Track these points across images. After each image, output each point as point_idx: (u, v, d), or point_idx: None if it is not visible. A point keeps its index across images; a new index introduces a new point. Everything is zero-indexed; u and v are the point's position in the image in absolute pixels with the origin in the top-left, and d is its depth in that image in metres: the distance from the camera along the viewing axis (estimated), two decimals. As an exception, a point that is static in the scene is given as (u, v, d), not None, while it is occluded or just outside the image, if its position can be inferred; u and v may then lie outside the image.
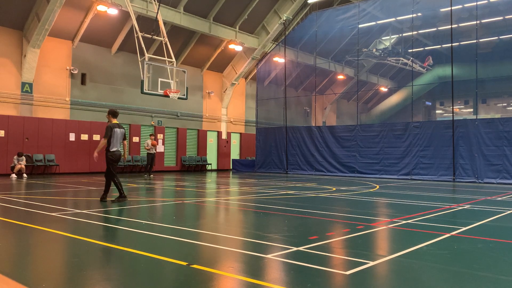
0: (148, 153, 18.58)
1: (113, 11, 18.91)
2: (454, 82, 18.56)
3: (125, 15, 19.60)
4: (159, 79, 16.57)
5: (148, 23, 18.55)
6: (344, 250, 5.04)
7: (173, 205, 9.12)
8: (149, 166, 18.76)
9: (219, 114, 27.41)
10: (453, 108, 19.41)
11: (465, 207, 9.07)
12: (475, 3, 18.66)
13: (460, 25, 20.79)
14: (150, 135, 19.15)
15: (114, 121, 9.25)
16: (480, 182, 17.13)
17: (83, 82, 20.62)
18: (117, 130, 9.14)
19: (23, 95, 18.48)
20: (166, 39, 17.69)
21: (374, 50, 27.04)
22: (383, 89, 33.23)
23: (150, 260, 4.33)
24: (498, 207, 9.02)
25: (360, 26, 22.32)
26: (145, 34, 17.35)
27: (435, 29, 24.29)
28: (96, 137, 20.60)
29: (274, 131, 24.59)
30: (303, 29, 24.53)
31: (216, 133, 27.17)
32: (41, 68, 18.98)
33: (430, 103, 34.98)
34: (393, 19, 23.72)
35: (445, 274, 4.04)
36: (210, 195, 11.48)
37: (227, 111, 27.78)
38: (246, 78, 29.14)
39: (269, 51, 25.79)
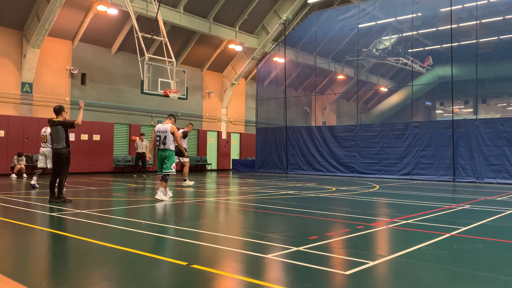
0: (137, 152, 18.75)
1: (113, 11, 18.90)
2: (454, 82, 18.54)
3: (125, 15, 19.59)
4: (159, 79, 16.57)
5: (148, 23, 18.54)
6: (344, 250, 5.04)
7: (173, 205, 9.11)
8: (139, 166, 19.03)
9: (219, 114, 27.41)
10: (453, 108, 19.41)
11: (465, 207, 9.06)
12: (475, 3, 18.64)
13: (460, 25, 20.76)
14: (140, 135, 19.20)
15: (57, 118, 8.99)
16: (480, 182, 17.12)
17: (83, 82, 20.62)
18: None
19: (23, 95, 18.48)
20: (166, 39, 17.68)
21: (374, 50, 27.00)
22: (383, 89, 33.20)
23: (150, 260, 4.33)
24: (498, 207, 9.02)
25: (360, 26, 22.29)
26: (145, 34, 17.34)
27: (435, 29, 24.27)
28: (96, 137, 20.59)
29: (274, 131, 24.57)
30: (303, 29, 24.50)
31: (216, 133, 27.16)
32: (41, 68, 18.97)
33: (430, 103, 34.94)
34: (393, 19, 23.68)
35: (445, 274, 4.04)
36: (210, 195, 11.48)
37: (227, 111, 27.77)
38: (246, 78, 29.13)
39: (269, 51, 25.77)
